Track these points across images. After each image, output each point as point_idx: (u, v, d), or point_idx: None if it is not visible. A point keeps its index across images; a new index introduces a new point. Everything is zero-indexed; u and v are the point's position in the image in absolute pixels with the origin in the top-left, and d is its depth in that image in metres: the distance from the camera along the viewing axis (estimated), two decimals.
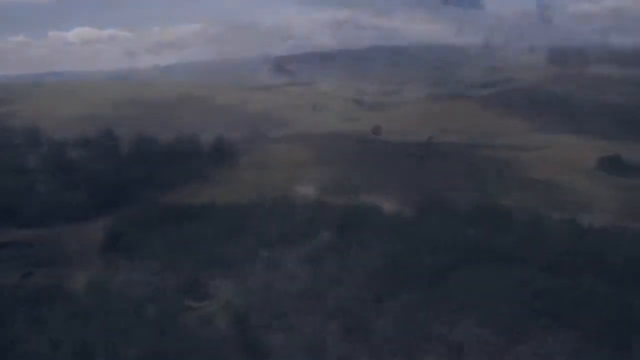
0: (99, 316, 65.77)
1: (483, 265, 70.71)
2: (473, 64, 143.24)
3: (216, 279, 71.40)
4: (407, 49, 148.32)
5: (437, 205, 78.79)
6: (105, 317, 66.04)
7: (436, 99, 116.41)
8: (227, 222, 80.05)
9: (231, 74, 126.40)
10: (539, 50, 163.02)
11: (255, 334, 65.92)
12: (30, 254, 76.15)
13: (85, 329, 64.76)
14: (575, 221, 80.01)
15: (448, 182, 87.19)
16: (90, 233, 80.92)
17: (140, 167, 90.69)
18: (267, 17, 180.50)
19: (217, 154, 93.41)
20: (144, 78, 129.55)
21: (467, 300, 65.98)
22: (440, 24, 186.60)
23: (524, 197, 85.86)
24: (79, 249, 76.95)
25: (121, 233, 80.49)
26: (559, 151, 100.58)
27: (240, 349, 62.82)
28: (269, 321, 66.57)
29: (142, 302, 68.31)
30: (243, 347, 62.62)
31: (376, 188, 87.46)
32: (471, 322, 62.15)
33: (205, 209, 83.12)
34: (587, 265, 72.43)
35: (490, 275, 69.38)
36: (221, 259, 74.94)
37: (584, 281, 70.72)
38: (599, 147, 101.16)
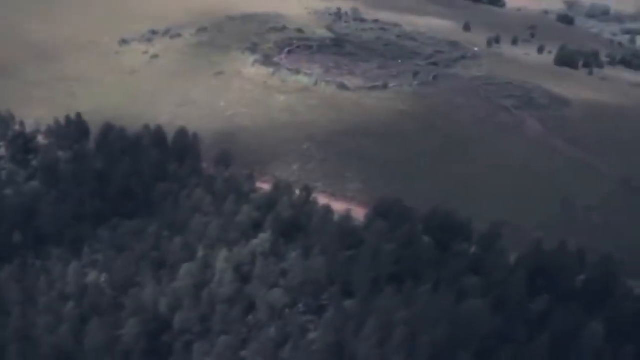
0: (19, 311, 64.48)
1: (425, 280, 66.58)
2: (470, 61, 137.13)
3: (149, 277, 69.13)
4: (407, 43, 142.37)
5: (390, 210, 74.63)
6: (26, 312, 64.79)
7: (409, 95, 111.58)
8: (174, 218, 77.65)
9: (212, 63, 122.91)
10: (548, 49, 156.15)
11: (173, 338, 63.77)
12: None
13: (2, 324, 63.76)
14: None
15: None
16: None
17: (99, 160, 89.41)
18: (265, 6, 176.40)
19: (175, 147, 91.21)
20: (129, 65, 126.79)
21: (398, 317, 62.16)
22: (450, 20, 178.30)
23: None
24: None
25: (68, 224, 79.00)
26: None
27: (151, 353, 60.74)
28: (191, 325, 64.25)
29: (67, 298, 66.76)
30: (154, 352, 60.53)
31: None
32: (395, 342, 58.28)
33: (154, 205, 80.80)
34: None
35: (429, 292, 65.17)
36: (159, 257, 72.77)
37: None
38: None
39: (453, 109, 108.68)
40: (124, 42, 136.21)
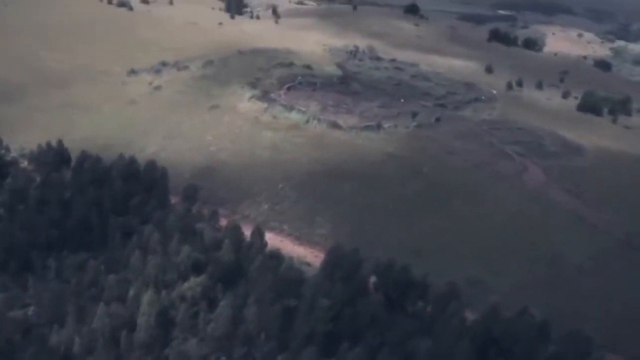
0: None
1: (366, 340, 60.34)
2: (483, 104, 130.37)
3: (81, 311, 65.99)
4: (420, 84, 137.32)
5: (342, 260, 68.98)
6: None
7: (402, 136, 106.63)
8: (120, 253, 74.58)
9: (210, 97, 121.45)
10: (574, 95, 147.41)
11: None
12: None
13: None
14: None
15: None
16: None
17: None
18: (279, 42, 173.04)
19: (145, 180, 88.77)
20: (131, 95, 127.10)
21: None
22: (474, 61, 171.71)
23: None
24: None
25: (20, 252, 77.17)
26: None
27: None
28: None
29: None
30: None
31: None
32: None
33: (106, 238, 78.16)
34: None
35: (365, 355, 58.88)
36: (97, 293, 69.57)
37: None
38: None
39: (446, 153, 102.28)
40: (133, 72, 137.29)
